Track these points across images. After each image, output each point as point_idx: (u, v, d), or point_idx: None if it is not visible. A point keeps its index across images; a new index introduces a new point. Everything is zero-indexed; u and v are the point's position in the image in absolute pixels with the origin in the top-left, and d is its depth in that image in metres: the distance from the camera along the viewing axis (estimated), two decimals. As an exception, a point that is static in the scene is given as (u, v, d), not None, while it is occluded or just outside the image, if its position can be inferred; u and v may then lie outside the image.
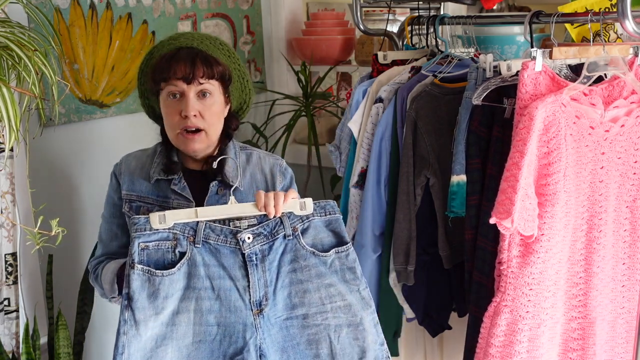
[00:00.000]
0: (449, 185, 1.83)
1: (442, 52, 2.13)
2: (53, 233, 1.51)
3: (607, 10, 1.76)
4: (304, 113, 2.87)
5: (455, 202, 1.82)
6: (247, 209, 1.45)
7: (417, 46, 2.33)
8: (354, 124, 2.11)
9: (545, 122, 1.59)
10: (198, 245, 1.43)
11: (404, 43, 2.39)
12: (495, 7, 2.70)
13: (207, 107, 1.56)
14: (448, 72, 2.00)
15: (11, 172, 1.84)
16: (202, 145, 1.60)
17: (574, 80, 1.67)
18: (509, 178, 1.56)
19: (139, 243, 1.41)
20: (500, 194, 1.58)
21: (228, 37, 2.85)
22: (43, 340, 2.09)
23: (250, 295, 1.44)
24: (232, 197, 1.47)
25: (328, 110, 2.99)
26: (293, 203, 1.48)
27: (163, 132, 1.66)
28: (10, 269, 1.89)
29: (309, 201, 1.50)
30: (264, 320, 1.45)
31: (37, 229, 1.54)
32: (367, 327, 1.50)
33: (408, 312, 2.10)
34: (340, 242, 1.52)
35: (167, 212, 1.42)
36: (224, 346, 1.43)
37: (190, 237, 1.43)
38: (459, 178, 1.80)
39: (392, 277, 2.04)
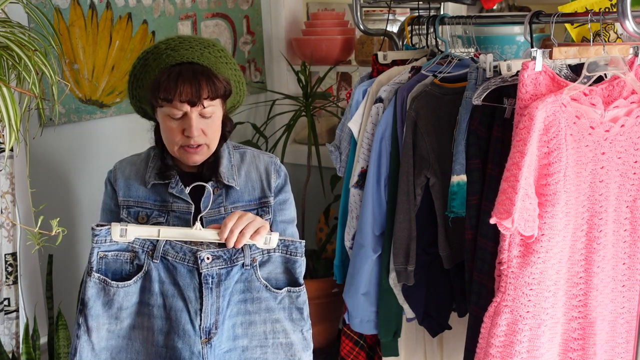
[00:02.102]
0: (449, 185, 1.83)
1: (442, 52, 2.13)
2: (53, 233, 1.51)
3: (607, 10, 1.76)
4: (304, 113, 2.87)
5: (455, 202, 1.82)
6: (209, 236, 1.44)
7: (417, 46, 2.33)
8: (354, 124, 2.11)
9: (546, 122, 1.59)
10: (156, 261, 1.43)
11: (404, 43, 2.39)
12: (495, 7, 2.70)
13: (209, 125, 1.56)
14: (448, 72, 2.00)
15: (11, 172, 1.84)
16: (204, 157, 1.61)
17: (574, 80, 1.67)
18: (509, 178, 1.56)
19: (98, 252, 1.42)
20: (500, 194, 1.58)
21: (228, 37, 2.85)
22: (43, 340, 2.09)
23: (201, 320, 1.44)
24: (197, 223, 1.46)
25: (328, 110, 2.99)
26: (258, 237, 1.47)
27: (157, 135, 1.65)
28: (10, 269, 1.89)
29: (274, 236, 1.49)
30: (211, 350, 1.44)
31: (37, 229, 1.54)
32: None
33: (408, 312, 2.10)
34: (294, 282, 1.52)
35: (129, 226, 1.42)
36: None
37: (149, 251, 1.43)
38: (459, 178, 1.80)
39: (392, 277, 2.04)
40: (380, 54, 2.22)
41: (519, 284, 1.64)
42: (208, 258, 1.43)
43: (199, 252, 1.43)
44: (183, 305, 1.43)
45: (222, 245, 1.45)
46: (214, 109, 1.55)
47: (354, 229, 2.12)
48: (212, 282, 1.44)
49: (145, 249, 1.43)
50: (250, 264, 1.47)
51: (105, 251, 1.42)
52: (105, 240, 1.42)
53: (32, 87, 1.60)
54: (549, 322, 1.70)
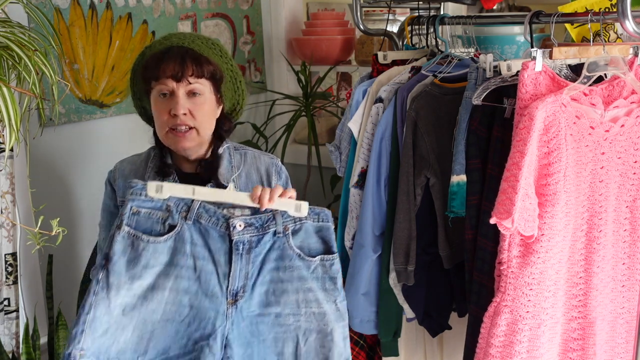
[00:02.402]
0: (449, 185, 1.83)
1: (442, 52, 2.13)
2: (53, 233, 1.51)
3: (607, 10, 1.76)
4: (304, 113, 2.87)
5: (455, 202, 1.82)
6: (242, 198, 1.45)
7: (417, 46, 2.33)
8: (354, 124, 2.11)
9: (546, 122, 1.59)
10: (189, 222, 1.42)
11: (404, 43, 2.39)
12: (495, 7, 2.70)
13: (197, 106, 1.55)
14: (448, 72, 2.00)
15: (11, 172, 1.85)
16: (193, 144, 1.58)
17: (574, 80, 1.67)
18: (509, 178, 1.56)
19: (131, 206, 1.40)
20: (500, 194, 1.58)
21: (228, 37, 2.85)
22: (43, 340, 2.09)
23: (228, 283, 1.43)
24: (231, 184, 1.47)
25: (328, 110, 2.99)
26: (289, 203, 1.48)
27: (156, 135, 1.64)
28: (10, 269, 1.89)
29: (304, 204, 1.49)
30: (236, 311, 1.44)
31: (37, 229, 1.54)
32: (335, 339, 1.51)
33: (408, 312, 2.10)
34: (327, 250, 1.51)
35: (165, 184, 1.41)
36: (191, 329, 1.42)
37: (183, 212, 1.42)
38: (459, 178, 1.80)
39: (392, 277, 2.04)
40: (380, 54, 2.22)
41: (519, 284, 1.64)
42: (240, 225, 1.43)
43: (231, 220, 1.43)
44: (213, 268, 1.43)
45: (255, 212, 1.45)
46: (202, 88, 1.54)
47: (354, 229, 2.12)
48: (242, 248, 1.44)
49: (180, 210, 1.42)
50: (283, 232, 1.47)
51: (139, 206, 1.40)
52: (141, 194, 1.40)
53: (32, 87, 1.60)
54: (549, 322, 1.69)
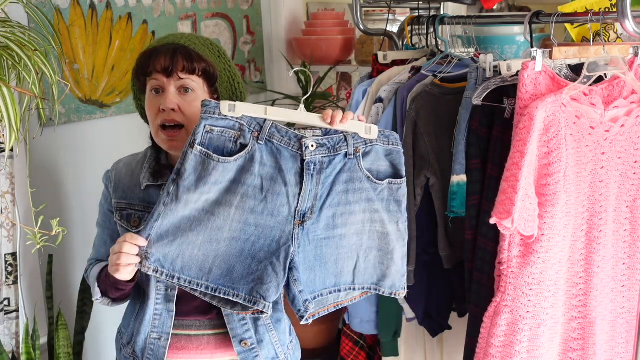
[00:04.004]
0: (449, 185, 1.83)
1: (442, 52, 2.13)
2: (53, 233, 1.51)
3: (607, 10, 1.76)
4: (304, 113, 2.87)
5: (455, 202, 1.82)
6: (313, 118, 1.44)
7: (417, 46, 2.33)
8: (354, 124, 2.10)
9: (546, 122, 1.59)
10: (261, 143, 1.41)
11: (404, 43, 2.39)
12: (495, 7, 2.70)
13: (187, 103, 1.52)
14: (448, 72, 2.00)
15: (11, 172, 1.85)
16: (182, 143, 1.53)
17: (574, 80, 1.67)
18: (509, 178, 1.56)
19: (205, 125, 1.39)
20: (500, 194, 1.58)
21: (228, 37, 2.85)
22: (43, 340, 2.09)
23: (298, 203, 1.42)
24: (301, 105, 1.45)
25: (328, 110, 2.98)
26: (359, 124, 1.47)
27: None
28: (10, 269, 1.89)
29: (374, 127, 1.48)
30: (303, 233, 1.43)
31: (37, 229, 1.54)
32: (395, 258, 1.51)
33: (408, 312, 2.10)
34: (396, 174, 1.51)
35: (237, 103, 1.41)
36: (256, 248, 1.42)
37: (255, 132, 1.41)
38: (459, 178, 1.81)
39: (392, 277, 2.04)
40: (380, 54, 2.23)
41: (519, 284, 1.64)
42: (312, 145, 1.42)
43: (304, 139, 1.42)
44: (282, 188, 1.42)
45: (325, 133, 1.45)
46: (194, 85, 1.52)
47: (354, 229, 2.12)
48: (314, 169, 1.43)
49: (252, 129, 1.41)
50: (354, 154, 1.46)
51: (212, 125, 1.39)
52: (214, 112, 1.39)
53: (32, 87, 1.60)
54: (549, 322, 1.70)
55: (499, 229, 1.60)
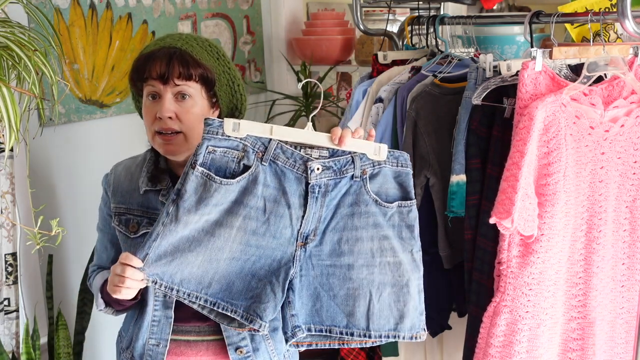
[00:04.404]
0: (449, 185, 1.83)
1: (442, 52, 2.13)
2: (53, 233, 1.51)
3: (607, 10, 1.76)
4: (304, 113, 2.87)
5: (455, 202, 1.82)
6: (321, 138, 1.40)
7: (417, 46, 2.33)
8: (354, 124, 2.11)
9: (545, 122, 1.59)
10: (265, 164, 1.38)
11: (404, 43, 2.39)
12: (495, 7, 2.70)
13: (185, 110, 1.49)
14: (448, 72, 2.00)
15: (11, 172, 1.85)
16: (179, 148, 1.52)
17: (574, 80, 1.67)
18: (509, 178, 1.56)
19: (207, 145, 1.36)
20: (500, 193, 1.58)
21: (228, 37, 2.85)
22: (43, 340, 2.09)
23: (301, 226, 1.39)
24: (309, 124, 1.41)
25: (328, 110, 2.99)
26: (368, 144, 1.42)
27: None
28: (10, 269, 1.89)
29: (384, 147, 1.43)
30: (305, 255, 1.40)
31: (37, 229, 1.53)
32: (411, 292, 1.42)
33: (408, 312, 2.10)
34: (405, 196, 1.44)
35: (242, 121, 1.37)
36: (256, 266, 1.39)
37: (259, 152, 1.37)
38: (458, 178, 1.80)
39: (392, 277, 2.03)
40: (380, 54, 2.22)
41: (519, 284, 1.64)
42: (318, 169, 1.38)
43: (309, 162, 1.38)
44: (285, 210, 1.39)
45: (332, 154, 1.40)
46: (191, 91, 1.49)
47: (353, 229, 2.11)
48: (318, 191, 1.39)
49: (256, 150, 1.38)
50: (360, 176, 1.41)
51: (215, 146, 1.36)
52: (217, 132, 1.36)
53: (32, 87, 1.60)
54: (549, 322, 1.70)
55: (499, 228, 1.60)
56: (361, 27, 2.43)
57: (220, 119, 1.37)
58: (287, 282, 1.38)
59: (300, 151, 1.39)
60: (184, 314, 1.53)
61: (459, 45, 2.23)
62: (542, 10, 1.85)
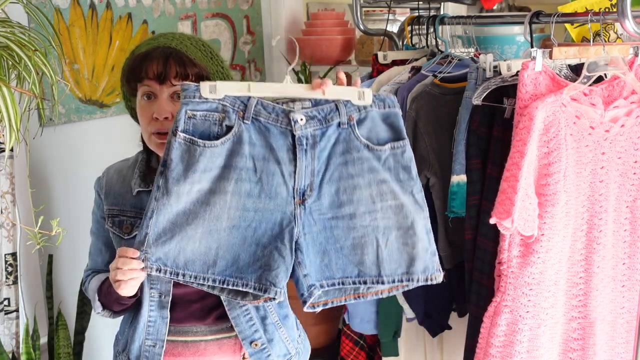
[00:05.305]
0: (449, 185, 1.83)
1: (442, 52, 2.13)
2: (53, 233, 1.51)
3: (607, 10, 1.76)
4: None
5: (455, 202, 1.82)
6: (302, 90, 1.37)
7: (417, 46, 2.33)
8: (354, 124, 2.10)
9: (545, 122, 1.59)
10: (247, 122, 1.35)
11: (404, 43, 2.39)
12: (495, 7, 2.70)
13: None
14: (448, 72, 2.00)
15: (11, 172, 1.85)
16: None
17: (574, 80, 1.67)
18: (509, 178, 1.56)
19: (186, 110, 1.33)
20: (500, 194, 1.58)
21: (228, 37, 2.85)
22: (43, 340, 2.09)
23: (295, 181, 1.35)
24: (287, 77, 1.38)
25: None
26: (351, 90, 1.38)
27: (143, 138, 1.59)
28: (10, 269, 1.89)
29: (368, 91, 1.39)
30: (305, 213, 1.36)
31: (37, 229, 1.53)
32: (418, 233, 1.38)
33: (408, 312, 2.10)
34: (397, 137, 1.41)
35: (218, 83, 1.34)
36: (258, 234, 1.36)
37: (240, 111, 1.35)
38: (459, 178, 1.80)
39: (392, 277, 2.03)
40: (380, 54, 2.23)
41: (519, 284, 1.64)
42: (302, 119, 1.35)
43: (292, 114, 1.35)
44: (276, 167, 1.35)
45: (315, 104, 1.37)
46: None
47: (354, 229, 2.11)
48: (306, 143, 1.36)
49: (236, 109, 1.35)
50: (347, 123, 1.37)
51: (194, 110, 1.33)
52: (194, 96, 1.33)
53: (32, 87, 1.60)
54: (549, 322, 1.70)
55: (499, 229, 1.60)
56: (361, 27, 2.43)
57: (196, 84, 1.35)
58: (294, 243, 1.35)
59: (282, 105, 1.36)
60: (180, 315, 1.52)
61: (459, 45, 2.23)
62: (542, 10, 1.85)
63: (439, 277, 1.40)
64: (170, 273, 1.33)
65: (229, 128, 1.35)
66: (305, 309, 1.37)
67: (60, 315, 2.01)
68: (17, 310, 1.92)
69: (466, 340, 1.82)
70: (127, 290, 1.36)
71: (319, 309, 1.39)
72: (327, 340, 2.93)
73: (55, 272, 2.09)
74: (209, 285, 1.36)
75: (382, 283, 1.38)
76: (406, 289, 1.41)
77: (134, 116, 1.63)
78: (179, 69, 1.47)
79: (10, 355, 1.91)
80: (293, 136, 1.36)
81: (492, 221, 1.59)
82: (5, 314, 1.91)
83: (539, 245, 1.62)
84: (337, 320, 2.94)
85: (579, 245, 1.71)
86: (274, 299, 1.34)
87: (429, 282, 1.40)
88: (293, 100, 1.37)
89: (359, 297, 1.41)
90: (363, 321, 2.18)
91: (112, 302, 1.50)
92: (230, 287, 1.35)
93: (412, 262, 1.38)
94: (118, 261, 1.34)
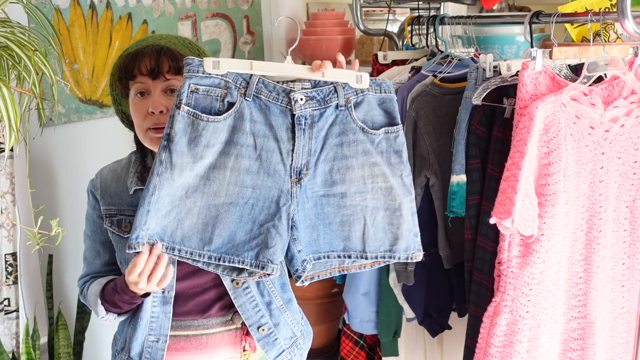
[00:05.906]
0: (449, 185, 1.83)
1: (442, 52, 2.13)
2: (53, 233, 1.51)
3: (607, 10, 1.76)
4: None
5: (455, 202, 1.82)
6: (302, 71, 1.40)
7: (417, 46, 2.33)
8: (354, 124, 2.11)
9: (545, 122, 1.59)
10: (248, 99, 1.38)
11: (404, 43, 2.39)
12: (495, 7, 2.70)
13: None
14: (448, 72, 2.00)
15: (11, 172, 1.85)
16: None
17: (574, 80, 1.67)
18: (509, 178, 1.56)
19: (189, 84, 1.35)
20: (500, 194, 1.58)
21: (228, 37, 2.85)
22: (43, 340, 2.09)
23: (292, 160, 1.39)
24: (288, 57, 1.42)
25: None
26: (349, 74, 1.42)
27: (137, 139, 1.59)
28: (10, 269, 1.89)
29: (365, 75, 1.44)
30: (301, 190, 1.40)
31: (37, 229, 1.54)
32: (404, 214, 1.45)
33: (408, 312, 2.10)
34: (391, 122, 1.46)
35: (221, 59, 1.37)
36: (255, 211, 1.39)
37: (242, 88, 1.38)
38: (458, 178, 1.81)
39: (392, 277, 2.04)
40: (380, 54, 2.23)
41: (519, 284, 1.64)
42: (302, 99, 1.39)
43: (292, 93, 1.39)
44: (275, 145, 1.39)
45: (314, 85, 1.41)
46: (179, 85, 1.46)
47: (354, 229, 2.12)
48: (305, 123, 1.39)
49: (238, 86, 1.38)
50: (345, 105, 1.42)
51: (197, 84, 1.36)
52: (198, 71, 1.35)
53: (32, 87, 1.60)
54: (549, 322, 1.70)
55: (499, 229, 1.60)
56: (361, 27, 2.43)
57: (200, 59, 1.37)
58: (290, 220, 1.39)
59: (282, 84, 1.40)
60: (182, 309, 1.53)
61: (459, 45, 2.23)
62: (542, 10, 1.85)
63: (419, 256, 1.47)
64: (167, 248, 1.35)
65: (231, 104, 1.38)
66: (297, 284, 1.42)
67: (60, 315, 2.01)
68: (17, 310, 1.92)
69: (466, 340, 1.82)
70: (151, 286, 1.38)
71: (307, 283, 1.43)
72: (327, 340, 2.93)
73: (55, 272, 2.09)
74: (204, 262, 1.38)
75: (366, 258, 1.45)
76: (387, 264, 1.49)
77: (124, 120, 1.63)
78: (172, 63, 1.48)
79: (10, 355, 1.91)
80: (292, 115, 1.39)
81: (492, 221, 1.59)
82: (5, 314, 1.91)
83: (538, 245, 1.62)
84: (337, 320, 2.94)
85: (578, 245, 1.71)
86: (269, 274, 1.38)
87: (410, 261, 1.47)
88: (293, 80, 1.41)
89: (342, 270, 1.47)
90: (363, 321, 2.19)
91: (124, 303, 1.49)
92: (225, 263, 1.38)
93: (395, 241, 1.45)
94: (139, 259, 1.35)
